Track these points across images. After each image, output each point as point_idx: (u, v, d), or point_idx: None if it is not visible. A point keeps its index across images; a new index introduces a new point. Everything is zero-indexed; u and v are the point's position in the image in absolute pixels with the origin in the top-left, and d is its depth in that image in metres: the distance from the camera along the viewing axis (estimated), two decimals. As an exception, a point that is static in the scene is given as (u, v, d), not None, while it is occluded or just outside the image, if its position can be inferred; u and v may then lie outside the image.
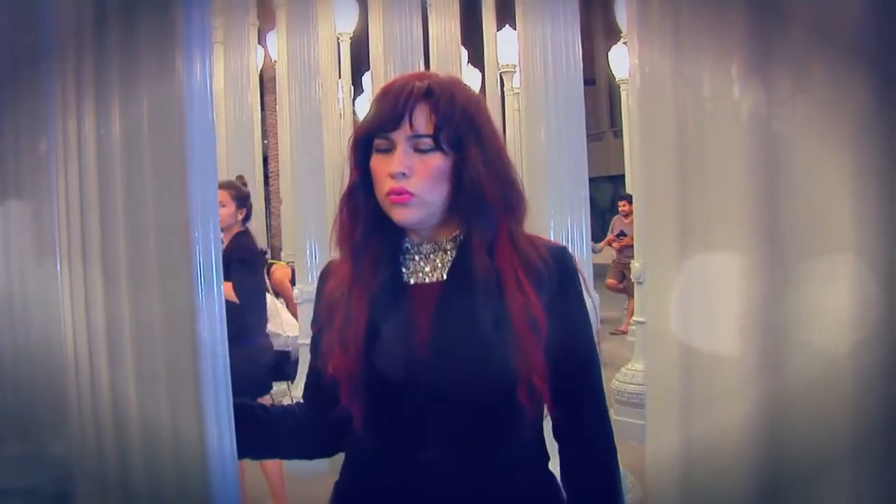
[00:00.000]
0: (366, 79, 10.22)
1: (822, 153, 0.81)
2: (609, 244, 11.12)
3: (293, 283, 6.47)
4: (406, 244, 1.42)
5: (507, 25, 10.02)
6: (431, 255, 1.41)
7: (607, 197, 21.29)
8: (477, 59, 10.95)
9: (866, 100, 0.79)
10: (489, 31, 10.55)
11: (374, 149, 1.36)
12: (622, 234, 10.90)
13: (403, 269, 1.42)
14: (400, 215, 1.34)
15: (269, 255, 8.43)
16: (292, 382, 5.37)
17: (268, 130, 15.31)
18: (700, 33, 0.87)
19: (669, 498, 0.93)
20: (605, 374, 5.17)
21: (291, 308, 6.13)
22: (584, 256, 4.04)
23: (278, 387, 5.21)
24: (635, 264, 6.19)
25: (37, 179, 1.21)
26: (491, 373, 1.33)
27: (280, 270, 7.35)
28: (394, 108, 1.33)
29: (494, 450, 1.38)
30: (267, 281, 5.21)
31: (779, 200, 0.82)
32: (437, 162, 1.33)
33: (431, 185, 1.34)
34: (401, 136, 1.33)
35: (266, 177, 14.86)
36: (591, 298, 1.51)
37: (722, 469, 0.87)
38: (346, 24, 9.77)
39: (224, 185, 4.12)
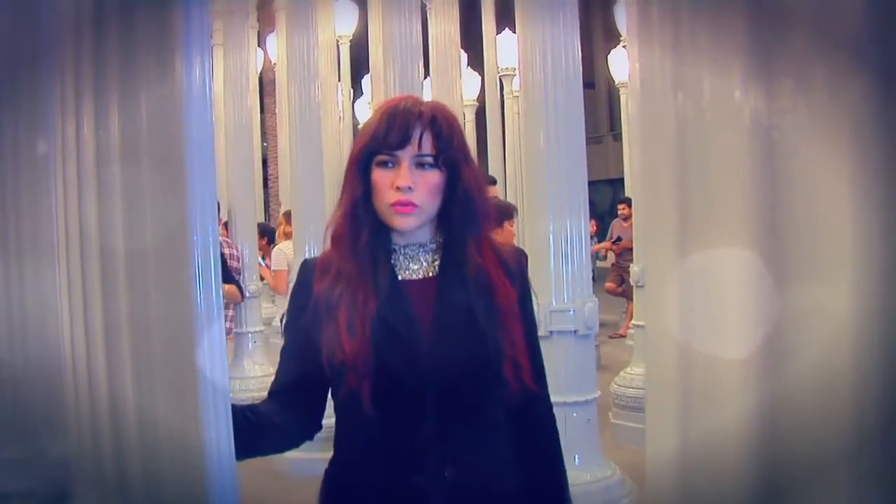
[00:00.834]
0: (365, 82, 10.24)
1: (823, 157, 0.81)
2: (609, 249, 11.12)
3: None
4: (392, 246, 1.63)
5: (507, 29, 10.03)
6: (417, 255, 1.63)
7: (606, 200, 21.30)
8: (476, 63, 10.95)
9: (867, 103, 0.79)
10: (489, 35, 10.55)
11: (376, 163, 1.57)
12: (618, 239, 10.91)
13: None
14: (402, 223, 1.57)
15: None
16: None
17: (267, 133, 15.34)
18: (700, 37, 0.87)
19: (668, 498, 0.93)
20: (604, 377, 5.09)
21: None
22: (583, 260, 4.04)
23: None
24: (635, 268, 6.19)
25: (35, 180, 1.21)
26: (484, 352, 1.58)
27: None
28: (404, 130, 1.54)
29: (483, 420, 1.62)
30: None
31: (779, 203, 0.82)
32: (436, 178, 1.56)
33: (431, 197, 1.57)
34: (406, 154, 1.55)
35: (265, 179, 14.89)
36: (536, 297, 1.79)
37: (720, 469, 0.87)
38: (346, 27, 9.78)
39: None
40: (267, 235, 8.55)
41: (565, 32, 3.95)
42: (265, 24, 11.32)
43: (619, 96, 11.48)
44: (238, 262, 6.84)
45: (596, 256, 10.00)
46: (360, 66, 10.53)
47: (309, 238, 5.61)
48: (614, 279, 10.89)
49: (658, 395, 0.98)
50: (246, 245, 7.20)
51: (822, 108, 0.81)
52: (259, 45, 11.41)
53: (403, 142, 1.54)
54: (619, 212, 11.19)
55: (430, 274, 1.63)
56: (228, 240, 6.85)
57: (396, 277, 1.61)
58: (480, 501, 1.60)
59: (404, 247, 1.63)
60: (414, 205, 1.54)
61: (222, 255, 4.38)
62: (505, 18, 9.63)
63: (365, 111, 11.59)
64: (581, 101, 4.08)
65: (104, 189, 1.08)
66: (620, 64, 10.51)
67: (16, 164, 1.22)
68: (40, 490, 1.20)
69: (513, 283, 1.65)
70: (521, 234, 6.29)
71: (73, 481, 1.15)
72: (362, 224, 1.59)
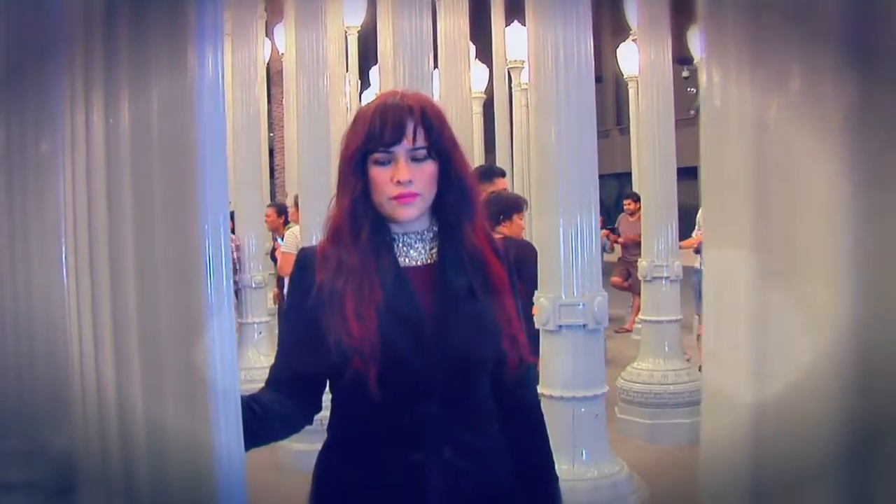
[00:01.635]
0: (373, 73, 10.23)
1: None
2: (615, 242, 11.12)
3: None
4: (392, 235, 1.70)
5: (516, 21, 10.01)
6: (415, 243, 1.71)
7: (613, 194, 21.32)
8: (485, 55, 10.94)
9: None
10: (497, 27, 10.54)
11: (373, 161, 1.63)
12: (613, 229, 10.94)
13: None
14: (405, 213, 1.64)
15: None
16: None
17: (274, 123, 15.34)
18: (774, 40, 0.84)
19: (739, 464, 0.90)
20: (610, 372, 5.07)
21: None
22: (593, 254, 4.01)
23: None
24: (643, 262, 6.16)
25: (43, 173, 1.19)
26: (484, 331, 1.68)
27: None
28: (397, 126, 1.61)
29: (478, 398, 1.72)
30: None
31: (868, 218, 0.79)
32: (431, 168, 1.64)
33: (429, 186, 1.65)
34: (401, 150, 1.62)
35: (272, 169, 14.90)
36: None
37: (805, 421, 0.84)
38: (354, 18, 9.77)
39: None
40: (284, 215, 8.54)
41: (578, 26, 3.93)
42: (273, 14, 11.32)
43: (626, 90, 11.48)
44: (235, 253, 6.83)
45: (603, 248, 10.01)
46: (367, 57, 10.52)
47: (316, 229, 5.61)
48: (620, 273, 10.89)
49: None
50: (252, 235, 7.20)
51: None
52: (267, 36, 11.40)
53: (398, 138, 1.61)
54: (624, 207, 11.18)
55: (430, 260, 1.71)
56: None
57: (399, 266, 1.68)
58: (476, 478, 1.68)
59: (403, 235, 1.70)
60: (415, 194, 1.62)
61: None
62: (514, 11, 9.62)
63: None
64: (593, 94, 4.05)
65: (113, 181, 1.06)
66: (629, 58, 10.50)
67: (23, 156, 1.20)
68: (45, 482, 1.19)
69: (501, 262, 1.74)
70: (529, 227, 6.28)
71: (78, 474, 1.13)
72: (362, 219, 1.65)
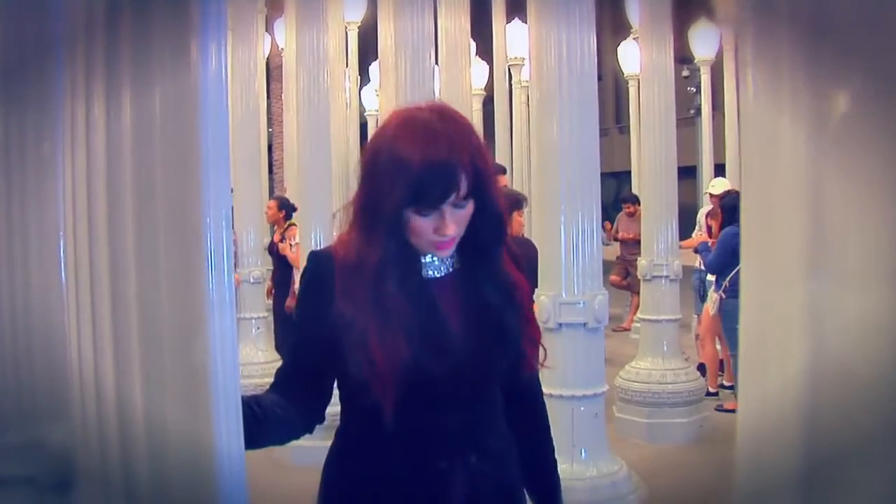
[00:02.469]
0: (373, 68, 10.21)
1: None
2: (615, 239, 11.13)
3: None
4: (417, 254, 1.64)
5: (517, 18, 10.01)
6: (440, 263, 1.66)
7: (611, 193, 21.32)
8: (485, 52, 10.94)
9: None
10: (498, 24, 10.54)
11: (413, 210, 1.54)
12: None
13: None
14: (441, 254, 1.62)
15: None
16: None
17: (273, 118, 15.32)
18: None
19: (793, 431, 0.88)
20: (608, 371, 5.06)
21: None
22: (594, 251, 4.00)
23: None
24: (642, 261, 6.15)
25: (43, 167, 1.18)
26: (509, 345, 1.66)
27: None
28: (447, 185, 1.51)
29: (496, 403, 1.72)
30: None
31: None
32: (470, 208, 1.57)
33: (465, 226, 1.59)
34: (447, 205, 1.54)
35: (270, 165, 14.88)
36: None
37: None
38: (354, 14, 9.76)
39: None
40: (285, 209, 8.01)
41: (581, 24, 3.92)
42: (273, 9, 11.29)
43: (626, 89, 11.48)
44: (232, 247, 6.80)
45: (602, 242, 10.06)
46: (367, 52, 10.50)
47: (316, 225, 5.61)
48: (619, 272, 10.89)
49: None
50: (251, 230, 7.20)
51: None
52: (266, 31, 11.39)
53: (445, 197, 1.53)
54: (623, 208, 11.18)
55: (452, 269, 1.68)
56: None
57: (423, 279, 1.64)
58: (495, 479, 1.68)
59: (428, 255, 1.65)
60: (454, 239, 1.59)
61: None
62: (515, 8, 9.62)
63: (372, 98, 11.54)
64: (595, 92, 4.04)
65: (114, 174, 1.05)
66: (630, 56, 10.50)
67: (23, 150, 1.18)
68: (42, 477, 1.18)
69: (518, 266, 1.73)
70: (530, 224, 6.28)
71: (76, 469, 1.12)
72: (393, 255, 1.57)
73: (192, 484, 1.07)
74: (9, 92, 1.16)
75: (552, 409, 3.90)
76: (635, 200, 10.18)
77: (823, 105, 0.83)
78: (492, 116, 11.06)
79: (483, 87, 11.22)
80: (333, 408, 1.70)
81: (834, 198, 0.84)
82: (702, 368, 6.83)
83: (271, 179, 15.04)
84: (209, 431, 1.07)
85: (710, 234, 7.12)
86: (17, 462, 1.16)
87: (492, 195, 1.60)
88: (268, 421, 1.55)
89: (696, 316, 8.27)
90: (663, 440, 5.77)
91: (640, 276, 6.28)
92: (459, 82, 6.41)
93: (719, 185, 7.80)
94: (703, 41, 10.31)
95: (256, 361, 6.80)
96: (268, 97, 13.53)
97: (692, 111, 14.52)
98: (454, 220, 1.55)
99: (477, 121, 10.69)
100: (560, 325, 3.95)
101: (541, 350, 1.77)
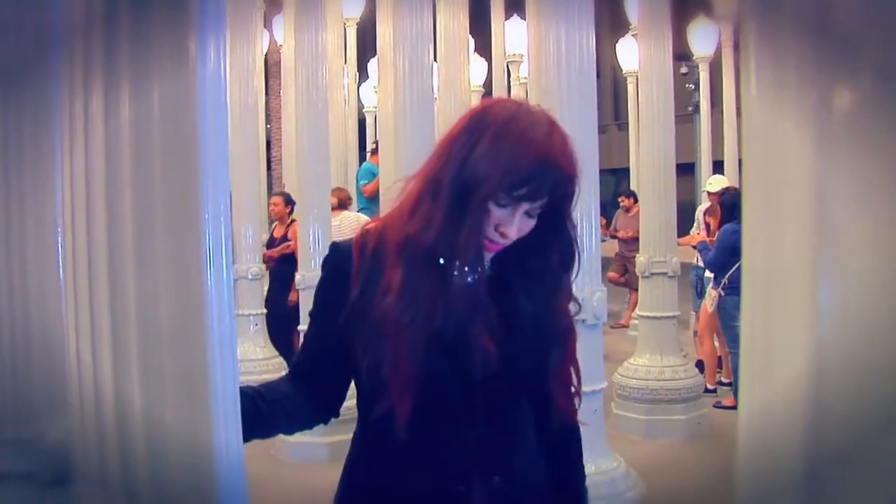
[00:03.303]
0: (371, 65, 10.20)
1: None
2: (612, 236, 11.14)
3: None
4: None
5: (516, 15, 10.01)
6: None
7: (609, 190, 21.32)
8: (484, 49, 10.93)
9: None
10: (497, 21, 10.53)
11: (494, 199, 1.43)
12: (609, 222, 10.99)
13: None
14: (490, 253, 1.50)
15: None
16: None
17: (271, 115, 15.30)
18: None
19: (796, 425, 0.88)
20: (606, 368, 5.07)
21: None
22: (592, 249, 4.00)
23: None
24: (641, 258, 6.15)
25: (41, 164, 1.17)
26: (544, 362, 1.56)
27: None
28: (550, 187, 1.42)
29: (524, 424, 1.61)
30: None
31: None
32: (531, 225, 1.47)
33: (517, 237, 1.47)
34: (527, 205, 1.44)
35: (268, 161, 14.86)
36: None
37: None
38: (353, 10, 9.75)
39: None
40: (291, 205, 7.87)
41: (580, 21, 3.91)
42: (271, 5, 11.27)
43: (624, 86, 11.47)
44: None
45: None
46: (366, 49, 10.49)
47: (314, 220, 5.60)
48: (617, 269, 10.90)
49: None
50: (249, 226, 7.18)
51: None
52: (265, 27, 11.37)
53: (540, 197, 1.43)
54: (620, 204, 11.19)
55: (478, 274, 1.52)
56: None
57: (454, 283, 1.49)
58: (519, 499, 1.58)
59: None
60: (503, 247, 1.48)
61: None
62: (513, 5, 9.60)
63: (371, 95, 11.53)
64: (594, 89, 4.04)
65: (112, 170, 1.05)
66: (628, 53, 10.49)
67: (20, 146, 1.18)
68: (40, 473, 1.17)
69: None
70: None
71: (74, 465, 1.12)
72: (459, 251, 1.45)
73: (191, 480, 1.07)
74: (7, 88, 1.16)
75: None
76: (632, 195, 10.17)
77: (828, 101, 0.83)
78: (490, 113, 11.03)
79: (482, 83, 11.21)
80: (349, 401, 1.65)
81: (838, 195, 0.84)
82: (700, 365, 6.84)
83: (270, 175, 15.02)
84: (208, 428, 1.06)
85: (708, 232, 7.13)
86: (16, 458, 1.15)
87: (571, 220, 1.52)
88: (270, 415, 1.52)
89: (694, 313, 8.28)
90: (661, 437, 5.78)
91: (638, 273, 6.29)
92: (458, 79, 6.41)
93: (717, 183, 7.79)
94: (702, 38, 10.31)
95: (255, 358, 6.80)
96: (266, 94, 13.50)
97: (691, 108, 14.51)
98: (519, 225, 1.45)
99: (475, 117, 10.67)
100: (559, 322, 3.94)
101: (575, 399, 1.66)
